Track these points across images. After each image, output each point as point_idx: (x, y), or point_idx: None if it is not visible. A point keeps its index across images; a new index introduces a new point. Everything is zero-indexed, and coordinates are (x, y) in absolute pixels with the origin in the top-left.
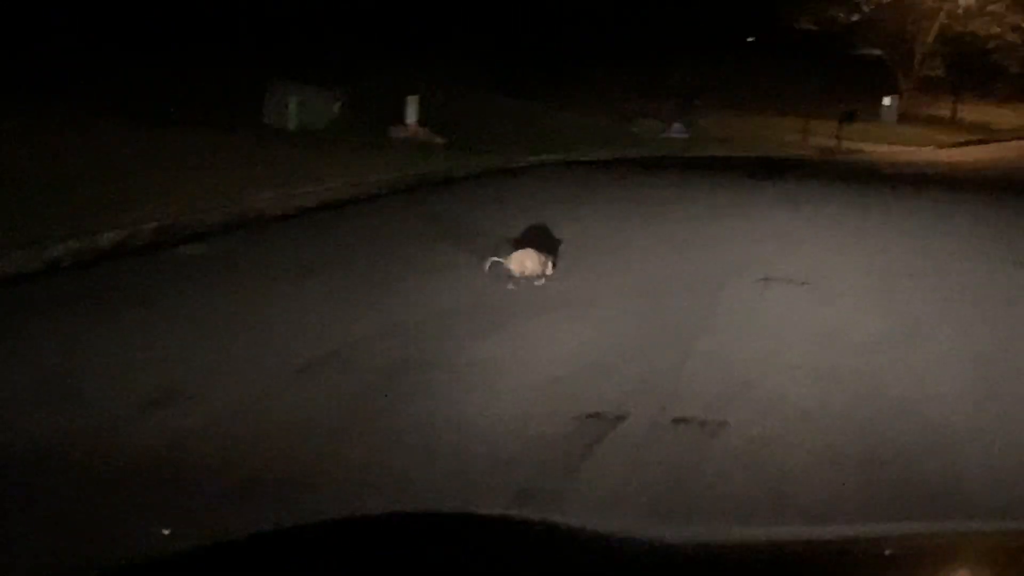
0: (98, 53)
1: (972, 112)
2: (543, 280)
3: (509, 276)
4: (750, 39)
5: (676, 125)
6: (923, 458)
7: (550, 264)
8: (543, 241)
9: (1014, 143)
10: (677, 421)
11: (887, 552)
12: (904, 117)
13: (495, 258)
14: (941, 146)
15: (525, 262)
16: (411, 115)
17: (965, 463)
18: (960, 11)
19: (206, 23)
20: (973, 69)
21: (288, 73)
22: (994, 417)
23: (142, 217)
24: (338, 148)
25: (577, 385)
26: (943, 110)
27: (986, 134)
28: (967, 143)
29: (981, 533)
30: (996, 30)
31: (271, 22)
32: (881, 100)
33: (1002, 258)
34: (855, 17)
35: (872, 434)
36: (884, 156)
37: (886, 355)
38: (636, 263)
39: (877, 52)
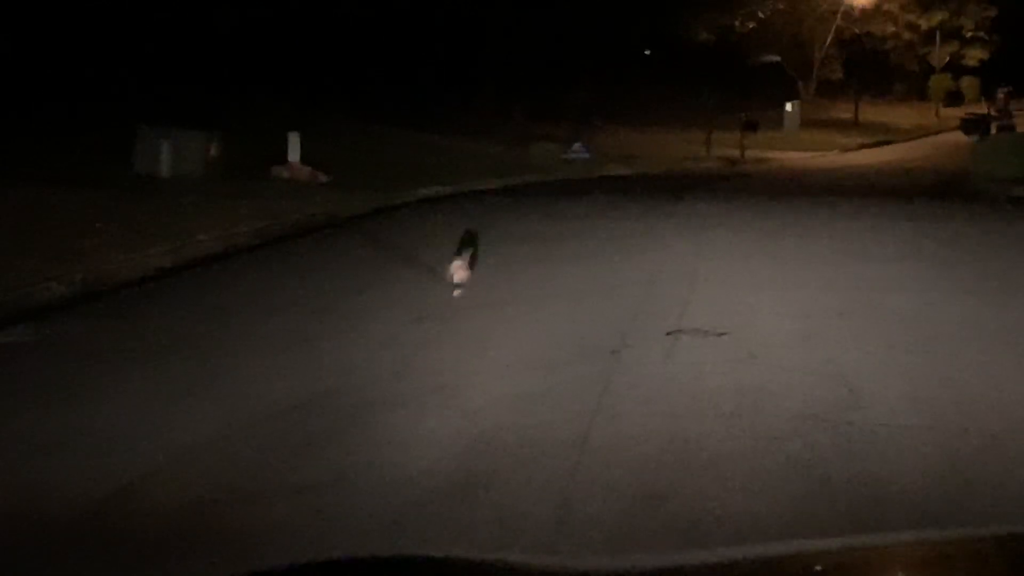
0: None
1: (872, 113)
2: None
3: (452, 284)
4: (647, 52)
5: (576, 146)
6: None
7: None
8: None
9: (916, 142)
10: None
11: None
12: (807, 122)
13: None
14: (845, 149)
15: (460, 271)
16: (293, 154)
17: None
18: (856, 12)
19: (73, 72)
20: (871, 70)
21: (161, 118)
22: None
23: None
24: (213, 195)
25: (437, 520)
26: (844, 112)
27: (888, 134)
28: (871, 145)
29: (957, 541)
30: (892, 29)
31: (140, 68)
32: (783, 107)
33: (937, 284)
34: (751, 25)
35: None
36: (789, 164)
37: (827, 435)
38: (523, 321)
39: (775, 58)
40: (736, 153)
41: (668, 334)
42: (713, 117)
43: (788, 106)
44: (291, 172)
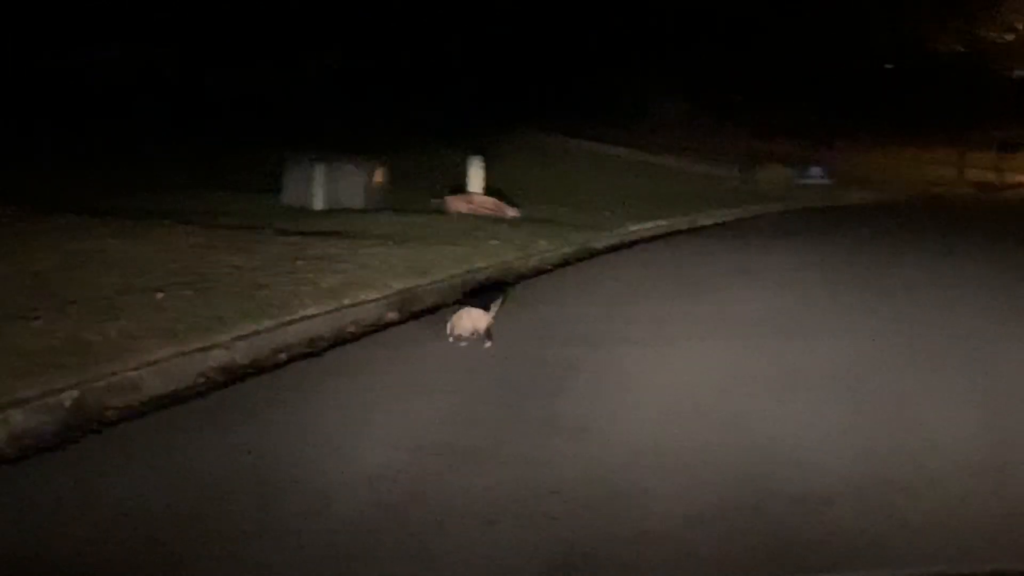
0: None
1: None
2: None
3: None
4: (888, 66)
5: (814, 170)
6: None
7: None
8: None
9: None
10: None
11: None
12: None
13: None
14: None
15: (465, 322)
16: (475, 182)
17: None
18: None
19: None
20: None
21: (316, 143)
22: None
23: None
24: (364, 236)
25: None
26: None
27: None
28: None
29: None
30: None
31: (289, 88)
32: None
33: None
34: (1009, 36)
35: None
36: None
37: None
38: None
39: None
40: (991, 177)
41: None
42: (963, 135)
43: None
44: (471, 205)
